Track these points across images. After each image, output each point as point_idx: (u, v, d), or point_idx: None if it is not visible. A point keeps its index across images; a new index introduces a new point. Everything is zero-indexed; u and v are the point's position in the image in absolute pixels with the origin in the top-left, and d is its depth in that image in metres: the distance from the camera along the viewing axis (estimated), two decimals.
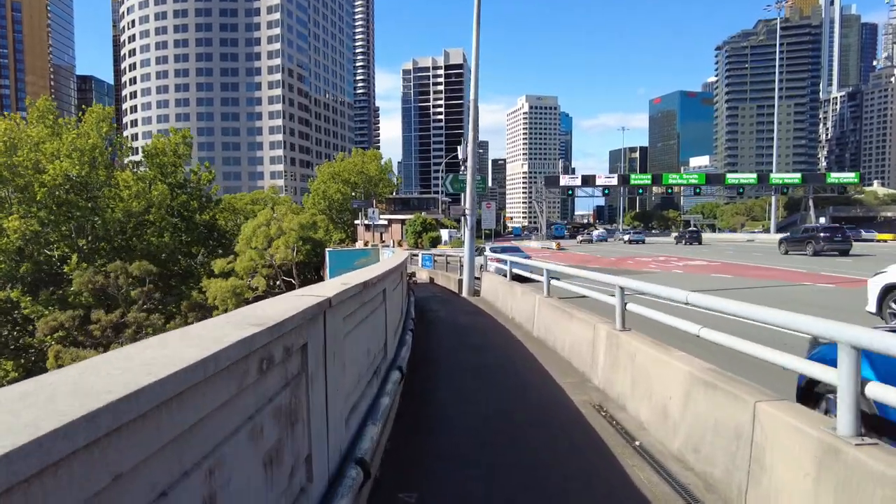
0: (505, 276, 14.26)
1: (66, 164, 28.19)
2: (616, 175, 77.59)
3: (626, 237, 67.94)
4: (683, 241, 58.91)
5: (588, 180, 72.44)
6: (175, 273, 33.36)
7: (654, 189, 75.83)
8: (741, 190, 73.93)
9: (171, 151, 36.02)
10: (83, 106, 35.08)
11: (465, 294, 17.11)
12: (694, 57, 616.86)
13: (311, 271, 32.07)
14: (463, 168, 54.53)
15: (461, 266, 19.38)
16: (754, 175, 75.10)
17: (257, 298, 28.63)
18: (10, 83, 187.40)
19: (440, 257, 25.13)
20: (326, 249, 22.86)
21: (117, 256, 27.90)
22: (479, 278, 17.48)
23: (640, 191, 74.08)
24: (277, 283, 30.39)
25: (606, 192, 73.62)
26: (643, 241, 64.58)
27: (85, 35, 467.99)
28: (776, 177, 72.70)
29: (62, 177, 27.54)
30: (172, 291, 30.95)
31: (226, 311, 24.01)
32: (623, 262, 33.20)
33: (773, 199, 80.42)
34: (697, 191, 74.17)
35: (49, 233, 29.30)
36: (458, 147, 55.34)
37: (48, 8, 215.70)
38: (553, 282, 10.19)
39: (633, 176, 75.19)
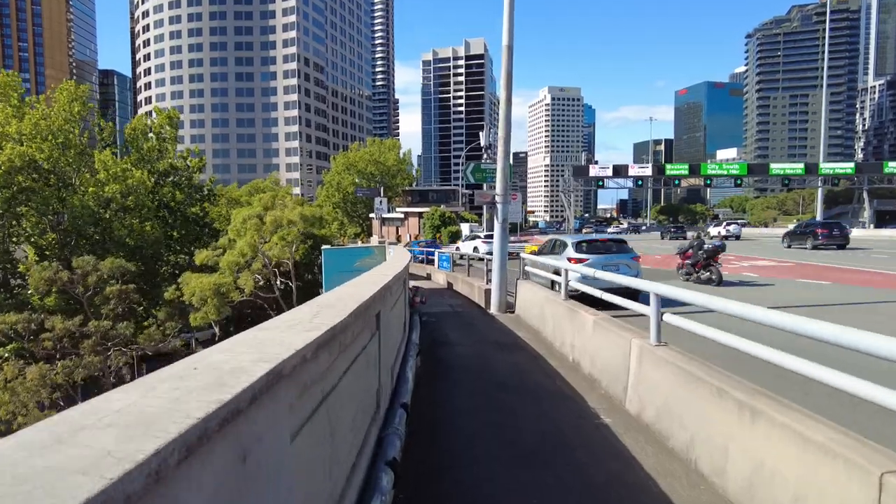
0: (555, 288, 9.84)
1: (26, 148, 24.37)
2: (650, 164, 71.98)
3: (610, 229, 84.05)
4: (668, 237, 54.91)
5: (620, 170, 67.18)
6: (162, 274, 29.45)
7: (691, 180, 70.23)
8: (787, 181, 68.00)
9: (154, 134, 32.10)
10: (51, 85, 31.36)
11: (493, 310, 12.70)
12: (719, 48, 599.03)
13: (315, 271, 27.89)
14: (485, 156, 49.23)
15: (487, 270, 14.94)
16: (801, 165, 68.98)
17: (244, 303, 24.52)
18: (31, 76, 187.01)
19: (461, 257, 20.77)
20: (323, 248, 18.66)
21: (93, 253, 24.04)
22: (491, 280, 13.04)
23: (677, 181, 68.51)
24: (273, 283, 26.06)
25: (639, 183, 68.22)
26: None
27: (108, 30, 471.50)
28: (826, 166, 66.54)
29: (20, 159, 23.68)
30: (157, 294, 27.03)
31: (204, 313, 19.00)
32: (671, 262, 28.42)
33: (820, 191, 74.32)
34: (739, 182, 68.47)
35: (8, 224, 25.58)
36: (480, 133, 50.06)
37: (70, 3, 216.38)
38: (667, 317, 5.66)
39: (668, 166, 69.61)
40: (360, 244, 33.40)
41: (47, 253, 26.33)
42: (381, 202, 26.53)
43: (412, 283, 18.34)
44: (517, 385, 6.66)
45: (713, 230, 52.22)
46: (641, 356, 5.66)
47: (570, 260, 12.06)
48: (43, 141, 25.85)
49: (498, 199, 12.51)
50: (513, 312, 12.50)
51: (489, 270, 14.06)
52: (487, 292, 13.23)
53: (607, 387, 6.54)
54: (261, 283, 26.04)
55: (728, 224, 55.02)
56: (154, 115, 34.06)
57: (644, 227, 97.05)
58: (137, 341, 21.08)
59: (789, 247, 36.27)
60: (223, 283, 23.05)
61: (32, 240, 28.67)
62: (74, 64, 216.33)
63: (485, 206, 43.33)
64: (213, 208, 33.81)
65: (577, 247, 12.93)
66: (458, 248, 29.89)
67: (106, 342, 19.21)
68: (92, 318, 20.09)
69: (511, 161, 13.60)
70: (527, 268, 12.56)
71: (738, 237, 50.28)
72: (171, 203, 32.19)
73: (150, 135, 32.28)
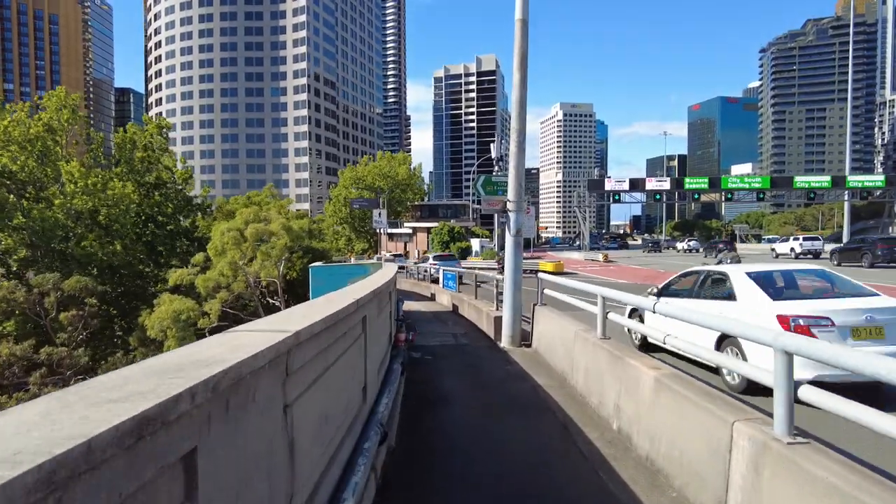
0: (586, 323, 7.47)
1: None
2: (668, 178, 69.20)
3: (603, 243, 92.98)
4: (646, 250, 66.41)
5: (637, 184, 64.43)
6: (152, 293, 27.21)
7: (711, 195, 67.47)
8: (812, 195, 64.96)
9: (142, 144, 30.11)
10: (36, 98, 29.68)
11: (505, 343, 10.31)
12: (732, 64, 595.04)
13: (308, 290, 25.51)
14: (497, 168, 46.82)
15: (496, 291, 12.57)
16: (827, 178, 65.89)
17: (215, 330, 22.11)
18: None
19: (469, 275, 18.39)
20: (310, 266, 16.39)
21: (65, 272, 21.84)
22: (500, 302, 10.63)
23: (696, 195, 65.79)
24: (259, 304, 23.59)
25: (657, 196, 65.46)
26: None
27: (125, 49, 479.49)
28: (854, 179, 63.34)
29: None
30: (134, 315, 24.79)
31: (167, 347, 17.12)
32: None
33: (847, 204, 71.08)
34: (761, 196, 65.44)
35: None
36: (491, 145, 47.82)
37: (88, 23, 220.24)
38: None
39: (687, 179, 66.76)
40: (353, 260, 31.07)
41: (22, 271, 24.29)
42: (379, 214, 24.43)
43: (410, 305, 16.01)
44: (542, 492, 4.25)
45: (679, 245, 72.01)
46: (761, 460, 3.26)
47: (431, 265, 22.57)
48: (20, 150, 24.00)
49: (510, 206, 10.18)
50: (529, 346, 10.11)
51: (499, 293, 11.71)
52: (497, 320, 10.86)
53: (683, 489, 4.14)
54: (251, 302, 23.71)
55: (689, 241, 71.68)
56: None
57: (657, 244, 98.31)
58: (98, 371, 18.80)
59: (706, 257, 46.27)
60: (183, 309, 20.45)
61: (14, 257, 26.73)
62: (91, 82, 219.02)
63: (496, 219, 40.93)
64: (205, 222, 31.65)
65: (434, 258, 26.28)
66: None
67: (63, 371, 16.93)
68: (55, 344, 17.90)
69: (525, 164, 11.21)
70: (547, 290, 10.16)
71: (698, 250, 60.80)
72: (158, 217, 30.10)
73: (138, 144, 30.21)
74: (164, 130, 31.71)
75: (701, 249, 56.86)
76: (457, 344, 10.89)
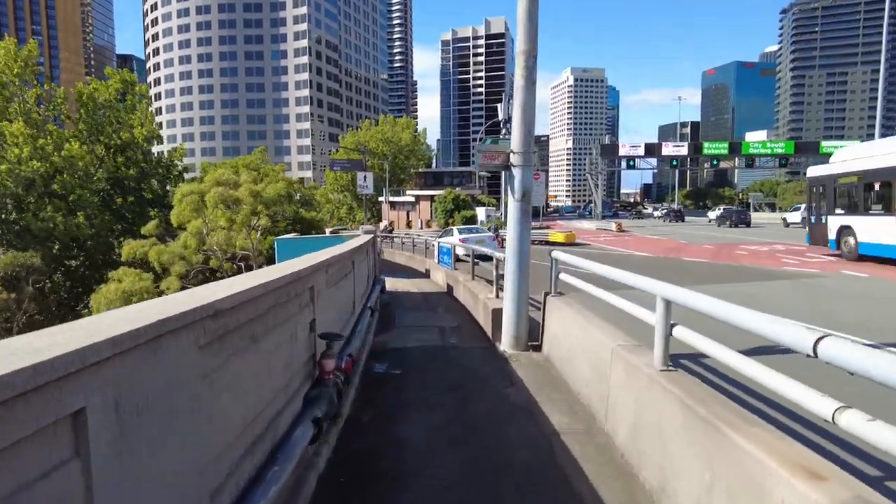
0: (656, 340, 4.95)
1: None
2: (686, 144, 65.58)
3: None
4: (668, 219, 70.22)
5: (652, 149, 60.93)
6: (117, 264, 24.70)
7: (730, 161, 63.90)
8: None
9: (105, 101, 27.02)
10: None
11: (506, 345, 7.68)
12: (747, 28, 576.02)
13: None
14: (504, 131, 43.53)
15: (496, 273, 9.76)
16: (858, 142, 62.00)
17: None
18: (45, 60, 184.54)
19: (466, 250, 15.67)
20: (275, 239, 13.95)
21: (17, 246, 19.38)
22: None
23: (715, 162, 62.29)
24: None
25: (674, 163, 61.96)
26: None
27: (126, 14, 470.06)
28: None
29: None
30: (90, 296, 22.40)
31: None
32: (729, 253, 23.17)
33: None
34: (784, 162, 61.90)
35: None
36: (498, 106, 44.36)
37: None
38: None
39: (706, 144, 63.07)
40: (326, 232, 28.37)
41: None
42: (364, 178, 22.05)
43: (400, 284, 13.41)
44: None
45: (655, 213, 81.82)
46: None
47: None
48: None
49: (514, 159, 7.44)
50: (538, 348, 7.51)
51: (500, 275, 9.05)
52: (496, 313, 8.21)
53: None
54: (174, 287, 20.73)
55: (662, 209, 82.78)
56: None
57: (640, 212, 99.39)
58: None
59: (664, 221, 62.86)
60: (135, 290, 17.81)
61: None
62: (92, 49, 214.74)
63: (502, 184, 37.89)
64: (180, 188, 28.82)
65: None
66: None
67: None
68: None
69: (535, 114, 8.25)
70: (562, 275, 7.50)
71: (665, 215, 71.99)
72: (126, 182, 27.28)
73: (99, 100, 27.08)
74: (133, 84, 28.57)
75: (662, 214, 70.48)
76: (442, 345, 8.28)
